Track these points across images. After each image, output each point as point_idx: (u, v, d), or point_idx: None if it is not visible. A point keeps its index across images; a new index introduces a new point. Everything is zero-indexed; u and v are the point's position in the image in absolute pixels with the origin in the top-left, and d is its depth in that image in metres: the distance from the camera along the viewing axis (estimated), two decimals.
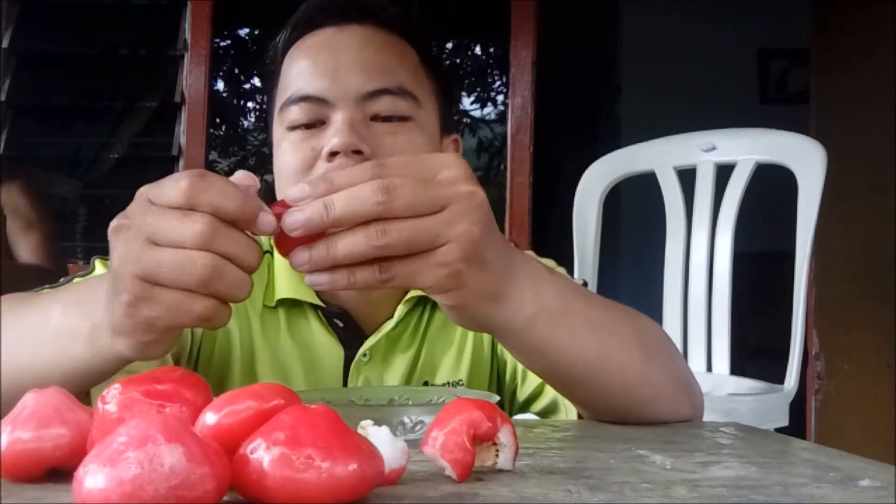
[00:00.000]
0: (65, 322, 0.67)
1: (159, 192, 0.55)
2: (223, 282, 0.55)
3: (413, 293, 0.98)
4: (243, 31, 4.72)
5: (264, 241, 1.02)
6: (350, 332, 0.97)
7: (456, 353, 0.99)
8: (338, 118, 0.89)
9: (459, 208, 0.58)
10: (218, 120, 4.69)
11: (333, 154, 0.87)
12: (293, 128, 0.91)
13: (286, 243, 0.57)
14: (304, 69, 0.92)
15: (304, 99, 0.90)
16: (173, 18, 2.75)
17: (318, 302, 0.96)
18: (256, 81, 4.82)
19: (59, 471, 0.50)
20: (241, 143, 5.03)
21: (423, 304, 1.00)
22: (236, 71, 4.80)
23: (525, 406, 1.00)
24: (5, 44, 2.76)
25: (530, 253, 0.86)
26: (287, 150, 0.92)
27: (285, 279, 0.97)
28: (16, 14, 2.81)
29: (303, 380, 0.96)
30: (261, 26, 4.53)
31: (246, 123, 4.98)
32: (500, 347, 1.00)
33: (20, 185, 2.10)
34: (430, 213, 0.57)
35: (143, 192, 0.56)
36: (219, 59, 4.42)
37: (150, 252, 0.54)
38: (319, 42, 0.94)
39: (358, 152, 0.87)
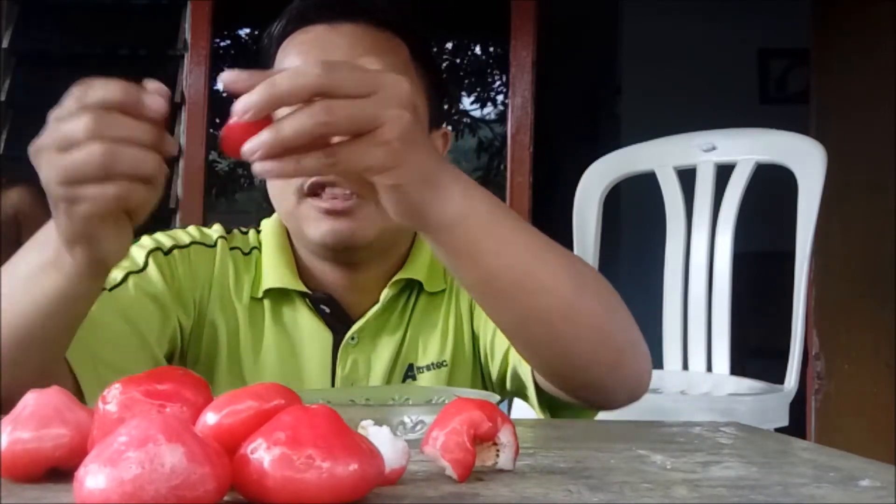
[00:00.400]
0: (31, 261, 0.71)
1: (59, 109, 0.61)
2: (123, 162, 0.60)
3: (398, 276, 1.00)
4: (243, 31, 4.73)
5: (251, 238, 1.04)
6: (337, 317, 0.99)
7: (440, 336, 1.01)
8: None
9: (390, 93, 0.61)
10: (218, 120, 4.68)
11: None
12: None
13: (234, 140, 0.60)
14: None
15: None
16: (173, 18, 2.75)
17: (304, 289, 0.99)
18: None
19: (59, 471, 0.50)
20: None
21: (409, 288, 1.02)
22: None
23: (502, 386, 1.01)
24: (5, 44, 2.76)
25: None
26: None
27: (273, 270, 1.00)
28: (16, 14, 2.81)
29: (292, 364, 0.98)
30: (261, 26, 4.53)
31: None
32: (476, 325, 1.02)
33: (32, 190, 2.09)
34: (365, 97, 0.60)
35: (51, 116, 0.62)
36: (219, 59, 4.42)
37: (59, 158, 0.61)
38: (311, 40, 0.95)
39: None
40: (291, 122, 0.58)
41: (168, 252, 0.98)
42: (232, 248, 1.02)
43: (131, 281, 0.94)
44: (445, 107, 1.08)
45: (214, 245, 1.01)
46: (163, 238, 0.99)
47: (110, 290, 0.91)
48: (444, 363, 1.00)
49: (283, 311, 1.00)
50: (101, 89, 0.60)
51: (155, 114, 0.60)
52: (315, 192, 0.92)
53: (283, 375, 0.97)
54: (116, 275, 0.93)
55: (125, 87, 0.60)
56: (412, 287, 1.01)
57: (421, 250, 1.03)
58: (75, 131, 0.59)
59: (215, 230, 1.03)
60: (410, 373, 1.00)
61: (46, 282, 0.69)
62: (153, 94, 0.60)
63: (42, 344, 0.73)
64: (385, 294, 0.99)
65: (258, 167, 0.60)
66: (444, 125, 1.04)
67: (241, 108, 0.59)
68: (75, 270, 0.68)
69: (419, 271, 1.01)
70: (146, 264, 0.95)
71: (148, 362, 0.91)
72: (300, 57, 0.94)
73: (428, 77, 0.99)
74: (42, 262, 0.69)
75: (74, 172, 0.60)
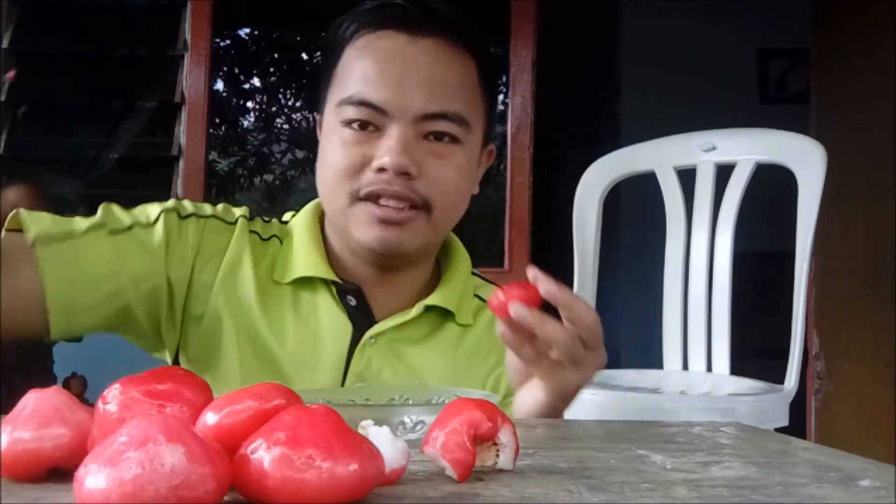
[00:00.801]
0: None
1: None
2: None
3: (431, 302, 1.02)
4: (243, 31, 4.72)
5: (274, 227, 1.06)
6: (360, 311, 1.01)
7: (459, 365, 1.02)
8: (393, 133, 0.94)
9: (597, 360, 0.82)
10: (218, 120, 4.69)
11: (383, 169, 0.94)
12: (348, 125, 0.96)
13: (510, 298, 0.80)
14: (369, 74, 0.95)
15: (365, 104, 0.94)
16: (173, 18, 2.75)
17: (335, 278, 1.00)
18: (256, 81, 4.82)
19: (59, 471, 0.50)
20: (241, 143, 5.02)
21: (439, 313, 1.03)
22: (236, 71, 4.80)
23: None
24: (5, 44, 2.76)
25: None
26: (338, 147, 0.96)
27: (305, 258, 1.01)
28: (16, 14, 2.81)
29: (309, 349, 0.99)
30: (261, 26, 4.53)
31: (246, 123, 4.98)
32: (499, 380, 1.05)
33: (30, 190, 2.08)
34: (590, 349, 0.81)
35: None
36: (219, 59, 4.42)
37: None
38: (390, 48, 0.96)
39: (406, 173, 0.94)
40: (552, 331, 0.79)
41: (185, 217, 1.00)
42: (251, 232, 1.04)
43: (135, 230, 0.97)
44: None
45: (234, 223, 1.03)
46: (188, 204, 1.01)
47: (110, 232, 0.95)
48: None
49: (304, 298, 1.01)
50: None
51: None
52: (371, 197, 0.94)
53: (300, 358, 0.98)
54: (125, 220, 0.96)
55: None
56: (442, 313, 1.04)
57: (453, 280, 1.05)
58: None
59: (240, 210, 1.05)
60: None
61: None
62: None
63: None
64: (415, 311, 1.01)
65: (501, 327, 0.81)
66: (490, 142, 1.07)
67: (517, 317, 0.79)
68: None
69: (451, 301, 1.03)
70: (156, 220, 0.98)
71: (113, 292, 0.94)
72: (377, 66, 0.95)
73: (490, 96, 1.02)
74: None
75: None
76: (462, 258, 1.09)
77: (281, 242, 1.04)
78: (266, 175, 4.98)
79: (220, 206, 1.04)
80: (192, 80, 2.70)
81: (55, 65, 2.87)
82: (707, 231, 1.79)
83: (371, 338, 1.00)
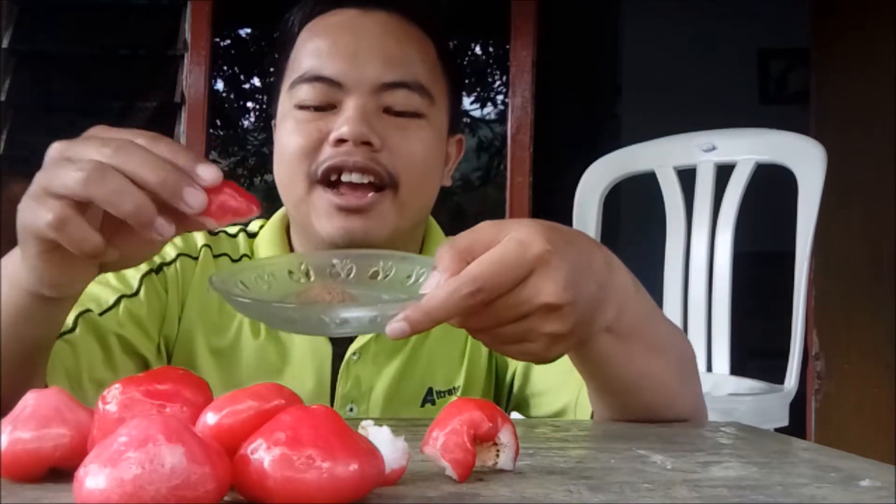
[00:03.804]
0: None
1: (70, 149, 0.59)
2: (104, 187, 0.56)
3: None
4: (243, 31, 4.73)
5: (241, 243, 0.99)
6: None
7: (457, 359, 0.98)
8: (350, 104, 0.87)
9: (540, 320, 0.60)
10: (218, 120, 4.69)
11: (341, 141, 0.86)
12: (302, 107, 0.89)
13: None
14: (321, 48, 0.90)
15: (318, 79, 0.88)
16: (173, 18, 2.75)
17: None
18: (256, 81, 4.82)
19: (59, 471, 0.50)
20: (241, 143, 5.03)
21: None
22: (236, 71, 4.80)
23: (524, 399, 0.99)
24: (5, 44, 2.76)
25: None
26: (292, 129, 0.89)
27: None
28: (16, 14, 2.81)
29: (290, 371, 0.94)
30: (261, 26, 4.53)
31: (246, 123, 4.98)
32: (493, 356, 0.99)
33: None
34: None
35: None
36: (219, 59, 4.42)
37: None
38: (341, 22, 0.91)
39: (367, 143, 0.86)
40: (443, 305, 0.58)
41: (158, 271, 0.94)
42: (218, 255, 0.98)
43: (123, 305, 0.90)
44: None
45: (197, 256, 0.97)
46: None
47: (100, 314, 0.88)
48: (456, 388, 0.97)
49: None
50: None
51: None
52: (329, 178, 0.87)
53: (284, 380, 0.94)
54: (108, 298, 0.89)
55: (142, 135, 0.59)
56: None
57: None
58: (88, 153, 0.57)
59: (200, 235, 0.98)
60: (430, 397, 0.96)
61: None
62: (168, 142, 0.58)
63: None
64: None
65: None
66: (458, 131, 1.02)
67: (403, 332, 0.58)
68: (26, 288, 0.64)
69: None
70: (139, 289, 0.91)
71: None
72: (327, 39, 0.90)
73: (452, 80, 0.97)
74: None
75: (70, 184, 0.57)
76: (437, 239, 1.00)
77: (252, 258, 0.98)
78: (266, 175, 4.97)
79: (178, 240, 0.96)
80: (192, 80, 2.70)
81: (55, 65, 2.87)
82: (707, 231, 1.79)
83: (354, 353, 0.93)
